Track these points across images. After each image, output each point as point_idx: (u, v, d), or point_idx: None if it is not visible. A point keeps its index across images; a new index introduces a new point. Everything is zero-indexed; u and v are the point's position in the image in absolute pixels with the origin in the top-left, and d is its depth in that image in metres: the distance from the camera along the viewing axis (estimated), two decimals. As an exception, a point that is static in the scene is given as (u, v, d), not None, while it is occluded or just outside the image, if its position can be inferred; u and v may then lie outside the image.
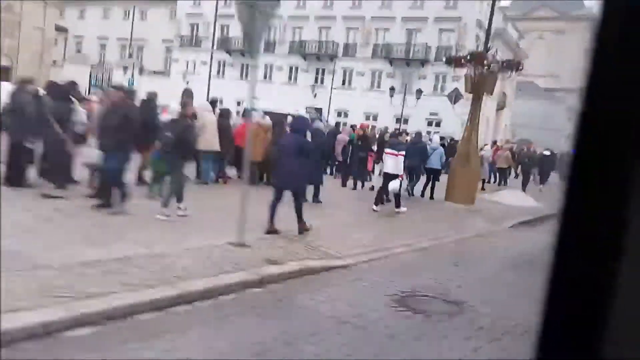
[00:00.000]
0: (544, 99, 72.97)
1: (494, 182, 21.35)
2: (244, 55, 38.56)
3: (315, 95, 36.59)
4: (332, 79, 34.61)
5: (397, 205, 10.68)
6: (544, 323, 0.64)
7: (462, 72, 14.82)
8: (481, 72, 12.99)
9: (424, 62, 33.96)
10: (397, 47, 34.37)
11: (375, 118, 35.03)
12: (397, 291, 5.38)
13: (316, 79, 37.22)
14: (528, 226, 11.24)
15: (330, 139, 14.13)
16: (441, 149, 13.97)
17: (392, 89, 31.14)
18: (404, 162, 10.40)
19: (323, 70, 36.69)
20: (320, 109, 28.42)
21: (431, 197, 13.33)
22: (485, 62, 13.03)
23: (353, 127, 16.84)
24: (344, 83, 36.24)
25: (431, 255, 7.53)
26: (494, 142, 26.51)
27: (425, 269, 6.70)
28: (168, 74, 42.50)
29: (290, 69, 37.65)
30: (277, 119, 12.40)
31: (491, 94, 13.89)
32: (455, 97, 21.99)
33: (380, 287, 5.55)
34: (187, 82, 40.44)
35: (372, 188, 12.55)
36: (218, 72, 40.11)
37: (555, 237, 0.63)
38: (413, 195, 13.24)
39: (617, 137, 0.58)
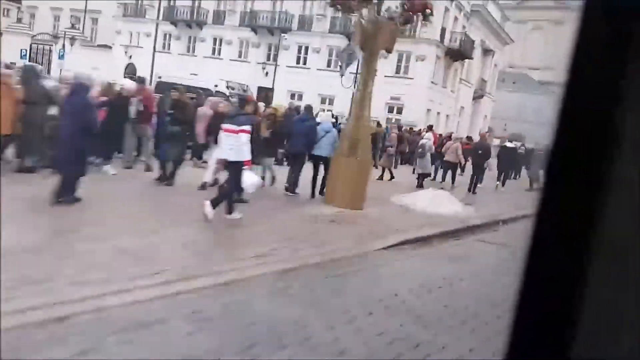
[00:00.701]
0: (539, 92, 69.27)
1: (443, 180, 17.61)
2: (191, 26, 34.49)
3: (266, 74, 32.48)
4: (276, 56, 30.43)
5: (229, 209, 6.83)
6: (516, 322, 0.65)
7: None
8: (375, 19, 8.94)
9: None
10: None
11: (332, 102, 30.98)
12: None
13: (268, 56, 33.06)
14: (423, 245, 7.33)
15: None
16: (334, 132, 9.94)
17: (340, 67, 26.95)
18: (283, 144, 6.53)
19: (277, 46, 32.54)
20: (246, 85, 24.32)
21: (313, 195, 9.42)
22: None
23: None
24: (298, 62, 32.11)
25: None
26: (449, 136, 22.61)
27: None
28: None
29: (241, 43, 33.48)
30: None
31: (390, 51, 9.82)
32: (346, 58, 17.89)
33: None
34: (130, 57, 36.38)
35: (204, 186, 8.49)
36: (163, 45, 35.94)
37: (529, 234, 0.63)
38: (295, 193, 9.36)
39: (594, 134, 0.58)
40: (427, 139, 16.13)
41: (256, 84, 32.80)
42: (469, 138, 21.56)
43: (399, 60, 29.48)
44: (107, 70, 31.63)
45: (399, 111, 29.42)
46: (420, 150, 15.89)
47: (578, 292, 0.59)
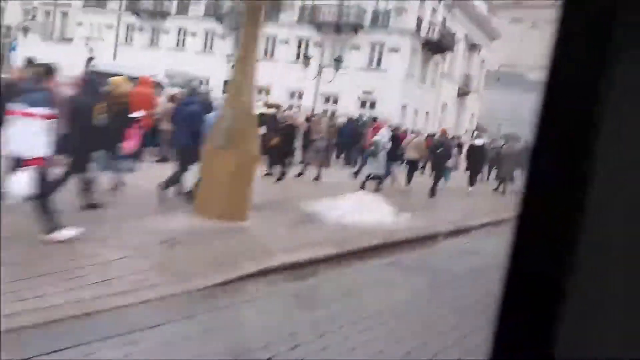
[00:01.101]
0: (534, 91, 67.15)
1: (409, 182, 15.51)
2: (155, 17, 32.31)
3: (233, 66, 30.22)
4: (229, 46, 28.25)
5: (50, 227, 4.68)
6: (499, 323, 0.65)
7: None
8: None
9: (356, 28, 27.51)
10: (326, 9, 27.90)
11: (301, 96, 28.77)
12: None
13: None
14: (286, 277, 5.09)
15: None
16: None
17: (307, 57, 24.72)
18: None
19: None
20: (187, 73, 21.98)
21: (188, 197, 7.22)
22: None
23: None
24: (265, 54, 29.86)
25: None
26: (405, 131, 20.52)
27: None
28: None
29: (206, 34, 31.25)
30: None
31: None
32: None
33: None
34: (92, 50, 34.09)
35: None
36: (126, 38, 33.72)
37: (512, 234, 0.64)
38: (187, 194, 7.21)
39: (577, 133, 0.59)
40: (382, 136, 13.93)
41: (222, 77, 30.63)
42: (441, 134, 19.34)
43: (372, 52, 27.26)
44: (66, 64, 29.45)
45: (372, 106, 27.19)
46: (372, 148, 13.70)
47: (562, 292, 0.59)
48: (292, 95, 29.10)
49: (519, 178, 23.24)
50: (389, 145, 13.92)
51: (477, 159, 16.65)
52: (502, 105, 77.74)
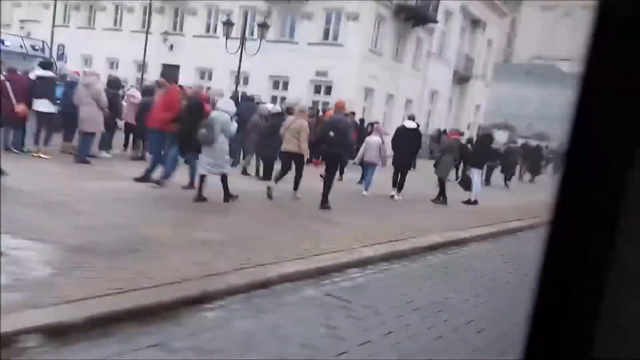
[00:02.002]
0: (567, 85, 59.56)
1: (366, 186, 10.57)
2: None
3: (171, 47, 25.39)
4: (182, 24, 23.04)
5: None
6: (533, 323, 0.64)
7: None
8: None
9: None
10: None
11: (247, 81, 23.59)
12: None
13: (174, 24, 25.93)
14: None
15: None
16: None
17: (263, 25, 19.27)
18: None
19: (183, 12, 25.42)
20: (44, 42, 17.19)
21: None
22: None
23: None
24: (208, 30, 24.83)
25: None
26: (371, 124, 15.17)
27: None
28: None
29: (144, 10, 26.47)
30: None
31: None
32: None
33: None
34: (29, 34, 29.89)
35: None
36: (64, 18, 29.42)
37: (546, 235, 0.63)
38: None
39: (613, 134, 0.57)
40: (222, 112, 8.85)
41: (160, 60, 25.84)
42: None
43: (327, 22, 21.81)
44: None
45: (328, 91, 21.73)
46: (204, 131, 8.73)
47: (597, 292, 0.58)
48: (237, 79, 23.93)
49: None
50: (234, 128, 8.71)
51: (405, 148, 11.11)
52: (532, 100, 70.19)
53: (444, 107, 29.36)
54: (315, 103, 21.28)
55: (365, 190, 11.37)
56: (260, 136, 10.52)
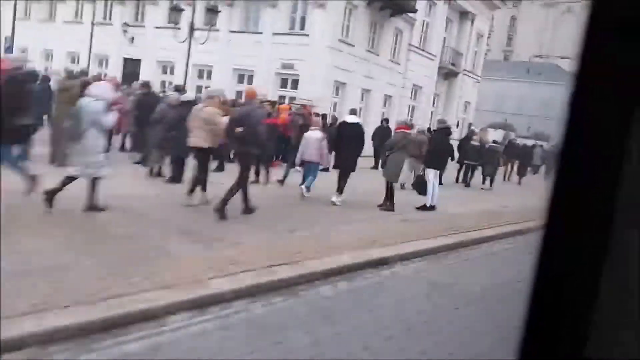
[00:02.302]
0: (569, 83, 58.18)
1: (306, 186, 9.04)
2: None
3: (132, 40, 23.68)
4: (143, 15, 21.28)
5: None
6: (527, 322, 0.64)
7: None
8: None
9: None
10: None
11: (210, 75, 21.89)
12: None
13: (135, 15, 24.21)
14: None
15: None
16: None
17: (212, 10, 17.46)
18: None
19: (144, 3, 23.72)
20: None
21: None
22: None
23: None
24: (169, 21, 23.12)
25: None
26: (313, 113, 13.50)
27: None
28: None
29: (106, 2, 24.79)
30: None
31: None
32: None
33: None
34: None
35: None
36: (25, 12, 27.80)
37: (540, 236, 0.63)
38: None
39: (606, 134, 0.57)
40: (92, 100, 7.16)
41: (121, 54, 24.17)
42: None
43: (293, 11, 20.04)
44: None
45: (295, 85, 19.97)
46: (71, 123, 7.07)
47: (591, 292, 0.58)
48: (200, 74, 22.25)
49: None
50: (109, 120, 7.05)
51: (346, 146, 9.40)
52: (531, 100, 68.39)
53: (428, 104, 27.53)
54: (281, 98, 19.55)
55: (307, 192, 9.67)
56: (164, 129, 8.80)
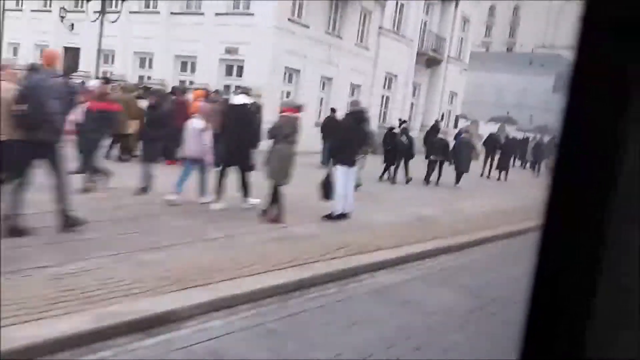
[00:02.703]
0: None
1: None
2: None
3: (72, 27, 21.43)
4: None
5: None
6: (527, 323, 0.64)
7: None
8: None
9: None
10: None
11: (193, 67, 19.61)
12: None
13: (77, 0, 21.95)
14: None
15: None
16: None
17: None
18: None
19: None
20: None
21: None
22: None
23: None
24: (111, 5, 20.78)
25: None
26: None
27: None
28: None
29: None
30: None
31: None
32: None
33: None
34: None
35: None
36: (17, 2, 25.57)
37: (538, 234, 0.63)
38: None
39: (602, 133, 0.58)
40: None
41: (61, 42, 21.91)
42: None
43: (237, -15, 17.67)
44: None
45: (240, 72, 17.60)
46: None
47: (590, 291, 0.58)
48: (142, 62, 19.97)
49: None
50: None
51: (233, 134, 7.07)
52: (533, 92, 65.81)
53: (407, 94, 25.02)
54: (226, 88, 17.20)
55: (174, 195, 7.42)
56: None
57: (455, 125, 28.80)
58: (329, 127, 14.00)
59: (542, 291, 0.62)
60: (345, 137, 7.74)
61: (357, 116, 7.80)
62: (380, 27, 22.02)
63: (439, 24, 26.81)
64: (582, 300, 0.59)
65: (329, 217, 7.67)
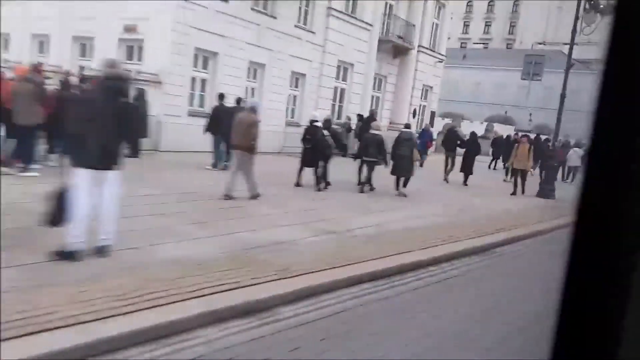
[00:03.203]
0: (575, 72, 52.72)
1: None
2: None
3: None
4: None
5: None
6: (559, 324, 0.63)
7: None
8: None
9: None
10: None
11: (141, 56, 16.65)
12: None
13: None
14: None
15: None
16: None
17: None
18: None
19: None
20: None
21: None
22: None
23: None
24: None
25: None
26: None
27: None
28: None
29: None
30: None
31: None
32: None
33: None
34: None
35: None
36: None
37: (570, 236, 0.61)
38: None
39: (636, 128, 0.55)
40: None
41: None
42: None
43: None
44: None
45: (140, 55, 14.55)
46: None
47: (623, 294, 0.56)
48: (41, 46, 17.01)
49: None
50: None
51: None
52: (533, 90, 62.48)
53: (367, 86, 21.85)
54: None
55: None
56: None
57: (431, 123, 25.65)
58: (218, 118, 10.92)
59: (576, 292, 0.60)
60: (90, 120, 4.63)
61: (112, 85, 4.70)
62: (329, 8, 18.92)
63: (408, 9, 23.66)
64: (616, 302, 0.56)
65: (61, 255, 4.59)
